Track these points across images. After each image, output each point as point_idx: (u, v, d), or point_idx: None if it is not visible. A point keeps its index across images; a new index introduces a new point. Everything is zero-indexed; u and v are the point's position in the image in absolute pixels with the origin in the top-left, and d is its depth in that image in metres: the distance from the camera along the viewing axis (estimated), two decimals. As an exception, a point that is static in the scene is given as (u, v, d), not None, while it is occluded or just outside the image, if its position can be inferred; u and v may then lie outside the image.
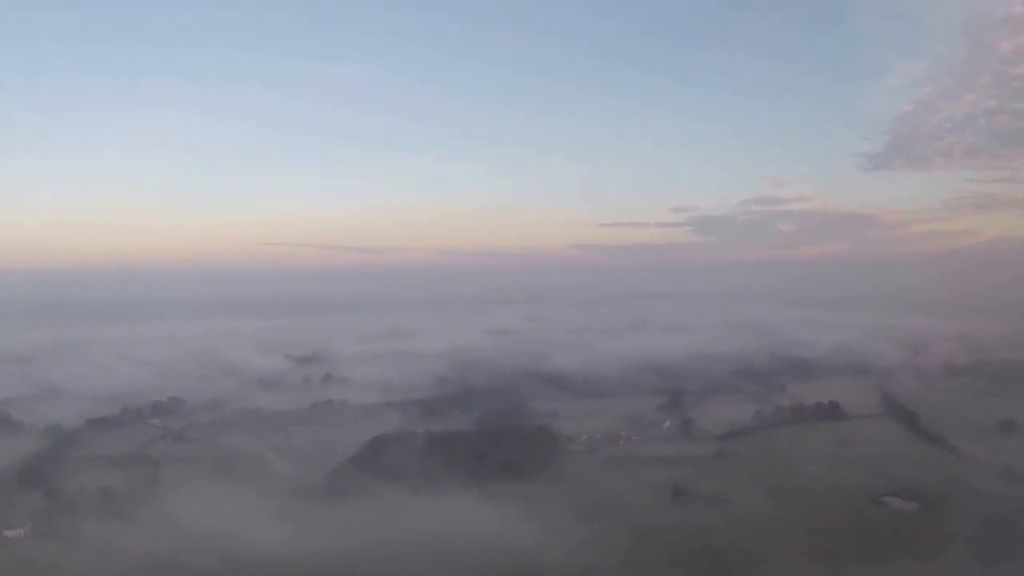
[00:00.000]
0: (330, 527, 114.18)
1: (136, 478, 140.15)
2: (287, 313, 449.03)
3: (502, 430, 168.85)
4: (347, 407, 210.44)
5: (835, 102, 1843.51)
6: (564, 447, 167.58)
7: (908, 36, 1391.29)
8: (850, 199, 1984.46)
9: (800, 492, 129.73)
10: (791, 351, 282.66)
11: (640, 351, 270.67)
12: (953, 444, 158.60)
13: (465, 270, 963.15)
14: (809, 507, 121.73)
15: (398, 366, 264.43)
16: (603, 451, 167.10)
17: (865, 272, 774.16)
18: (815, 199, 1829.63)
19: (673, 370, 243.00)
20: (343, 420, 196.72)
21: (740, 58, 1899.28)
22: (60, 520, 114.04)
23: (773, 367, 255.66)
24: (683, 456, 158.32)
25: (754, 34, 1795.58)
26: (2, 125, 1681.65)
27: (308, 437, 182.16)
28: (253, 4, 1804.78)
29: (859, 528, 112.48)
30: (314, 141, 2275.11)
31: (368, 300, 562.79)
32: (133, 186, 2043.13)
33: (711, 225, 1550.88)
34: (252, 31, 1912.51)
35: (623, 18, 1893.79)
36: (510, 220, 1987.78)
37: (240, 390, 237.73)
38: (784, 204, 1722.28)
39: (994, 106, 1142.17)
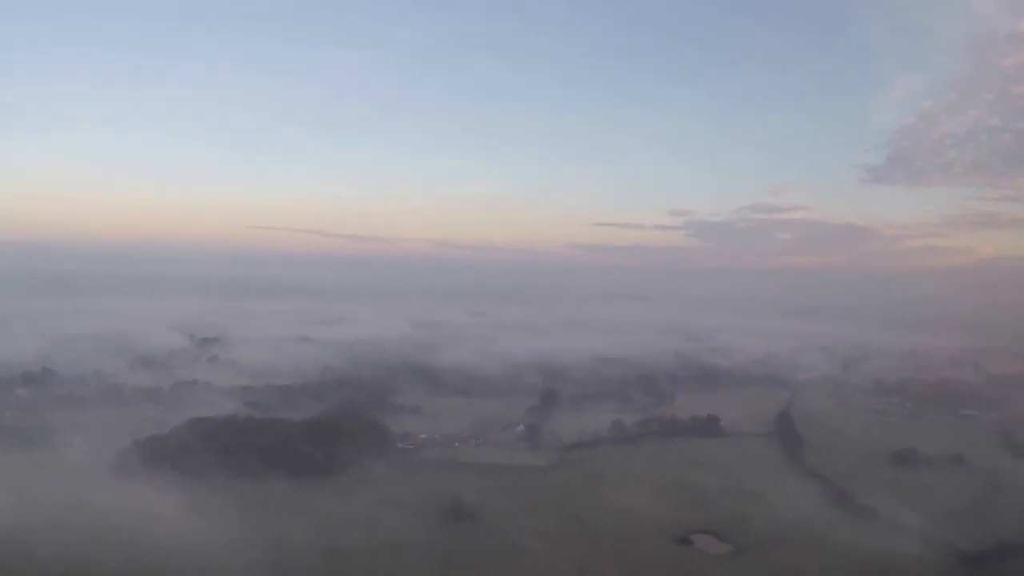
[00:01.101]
0: (57, 501, 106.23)
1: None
2: (233, 295, 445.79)
3: (333, 423, 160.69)
4: (208, 388, 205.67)
5: (836, 112, 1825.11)
6: (390, 445, 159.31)
7: (911, 48, 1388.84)
8: (849, 211, 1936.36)
9: (599, 521, 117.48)
10: (711, 359, 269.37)
11: (550, 351, 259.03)
12: (824, 475, 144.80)
13: (457, 263, 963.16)
14: (596, 541, 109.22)
15: (295, 352, 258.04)
16: (428, 452, 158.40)
17: (856, 285, 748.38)
18: (814, 209, 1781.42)
19: (568, 372, 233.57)
20: (190, 401, 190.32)
21: (743, 64, 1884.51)
22: None
23: (678, 375, 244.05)
24: (510, 464, 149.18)
25: (758, 41, 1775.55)
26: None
27: (138, 415, 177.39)
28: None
29: (641, 571, 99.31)
30: (312, 126, 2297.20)
31: (335, 286, 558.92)
32: (121, 163, 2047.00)
33: (708, 230, 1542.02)
34: (250, 12, 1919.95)
35: (629, 19, 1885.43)
36: (509, 215, 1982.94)
37: (120, 366, 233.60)
38: (782, 213, 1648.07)
39: (997, 124, 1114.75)
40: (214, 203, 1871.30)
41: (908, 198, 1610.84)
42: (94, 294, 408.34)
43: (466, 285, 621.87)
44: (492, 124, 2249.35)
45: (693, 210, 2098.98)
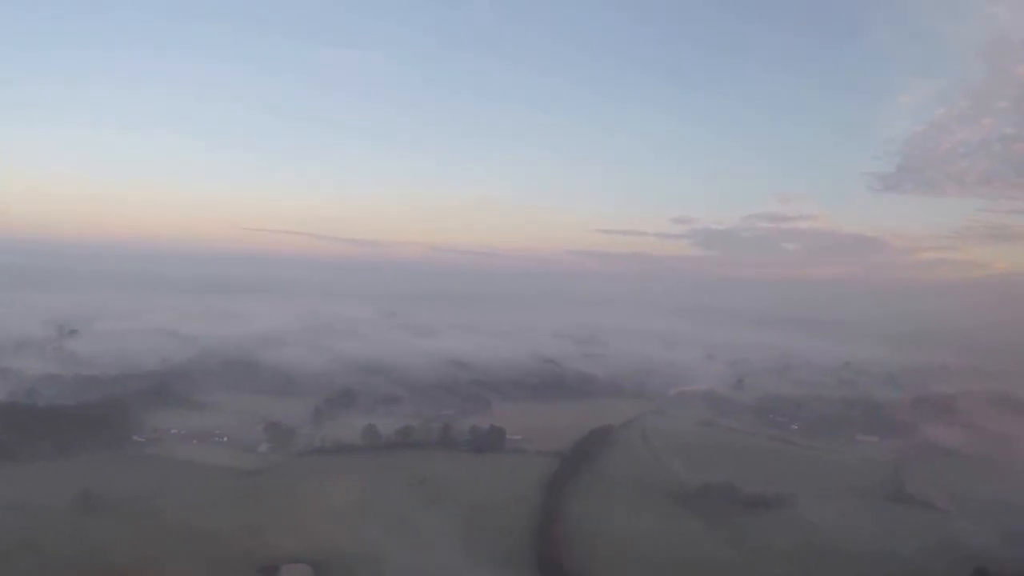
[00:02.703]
0: None
1: None
2: (152, 290, 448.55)
3: (69, 412, 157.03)
4: (13, 374, 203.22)
5: (845, 119, 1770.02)
6: (122, 438, 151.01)
7: (923, 54, 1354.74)
8: (857, 221, 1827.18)
9: (203, 539, 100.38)
10: (581, 367, 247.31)
11: (401, 352, 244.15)
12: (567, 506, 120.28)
13: (451, 268, 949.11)
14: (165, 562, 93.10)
15: (144, 345, 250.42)
16: (154, 448, 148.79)
17: (856, 297, 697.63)
18: (822, 218, 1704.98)
19: (394, 373, 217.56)
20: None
21: (749, 69, 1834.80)
22: None
23: (525, 382, 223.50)
24: (216, 465, 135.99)
25: (766, 46, 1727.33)
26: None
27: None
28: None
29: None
30: (309, 127, 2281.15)
31: (292, 287, 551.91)
32: (114, 162, 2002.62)
33: (713, 239, 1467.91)
34: (247, 13, 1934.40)
35: (634, 23, 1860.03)
36: (508, 220, 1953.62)
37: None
38: (790, 222, 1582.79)
39: (1011, 133, 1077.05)
40: (208, 203, 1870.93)
41: (919, 208, 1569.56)
42: (27, 290, 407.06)
43: (434, 289, 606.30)
44: (492, 127, 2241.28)
45: (697, 218, 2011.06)
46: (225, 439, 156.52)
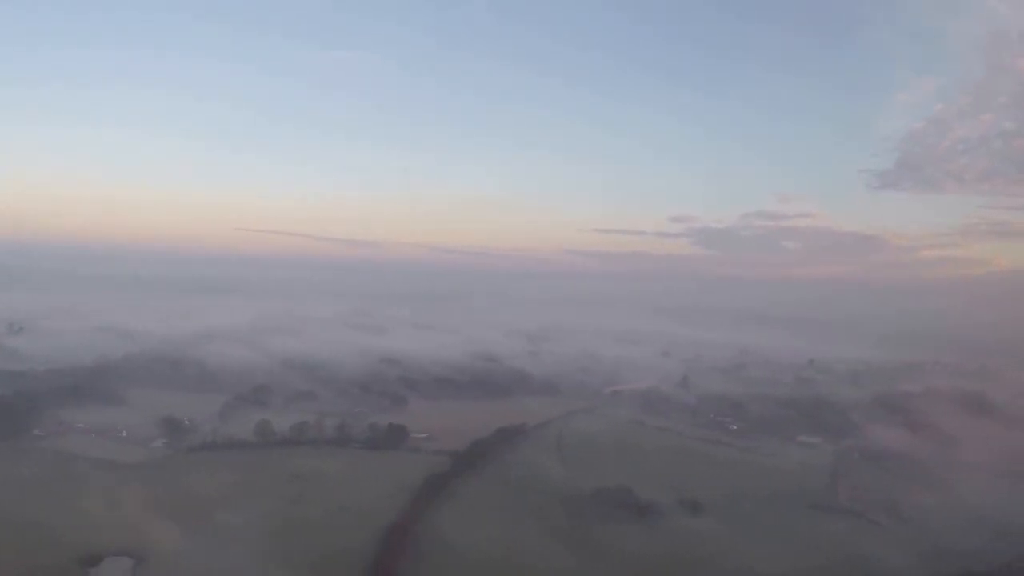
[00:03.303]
0: None
1: None
2: (133, 291, 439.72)
3: None
4: None
5: (844, 116, 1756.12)
6: (20, 430, 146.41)
7: (921, 50, 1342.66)
8: (857, 219, 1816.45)
9: (31, 529, 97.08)
10: (519, 364, 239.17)
11: (336, 349, 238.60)
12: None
13: (448, 268, 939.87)
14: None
15: (92, 341, 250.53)
16: (51, 441, 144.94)
17: (857, 296, 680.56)
18: (820, 217, 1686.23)
19: (317, 370, 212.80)
20: None
21: (747, 67, 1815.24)
22: None
23: (454, 379, 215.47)
24: (102, 459, 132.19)
25: (763, 44, 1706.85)
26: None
27: None
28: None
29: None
30: (306, 128, 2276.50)
31: (271, 287, 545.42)
32: (106, 162, 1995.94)
33: (711, 238, 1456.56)
34: (242, 12, 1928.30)
35: (631, 21, 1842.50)
36: (505, 220, 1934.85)
37: None
38: (788, 220, 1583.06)
39: (1011, 128, 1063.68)
40: (202, 204, 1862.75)
41: (918, 206, 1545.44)
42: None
43: (419, 289, 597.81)
44: (489, 126, 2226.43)
45: (695, 217, 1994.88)
46: (124, 434, 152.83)
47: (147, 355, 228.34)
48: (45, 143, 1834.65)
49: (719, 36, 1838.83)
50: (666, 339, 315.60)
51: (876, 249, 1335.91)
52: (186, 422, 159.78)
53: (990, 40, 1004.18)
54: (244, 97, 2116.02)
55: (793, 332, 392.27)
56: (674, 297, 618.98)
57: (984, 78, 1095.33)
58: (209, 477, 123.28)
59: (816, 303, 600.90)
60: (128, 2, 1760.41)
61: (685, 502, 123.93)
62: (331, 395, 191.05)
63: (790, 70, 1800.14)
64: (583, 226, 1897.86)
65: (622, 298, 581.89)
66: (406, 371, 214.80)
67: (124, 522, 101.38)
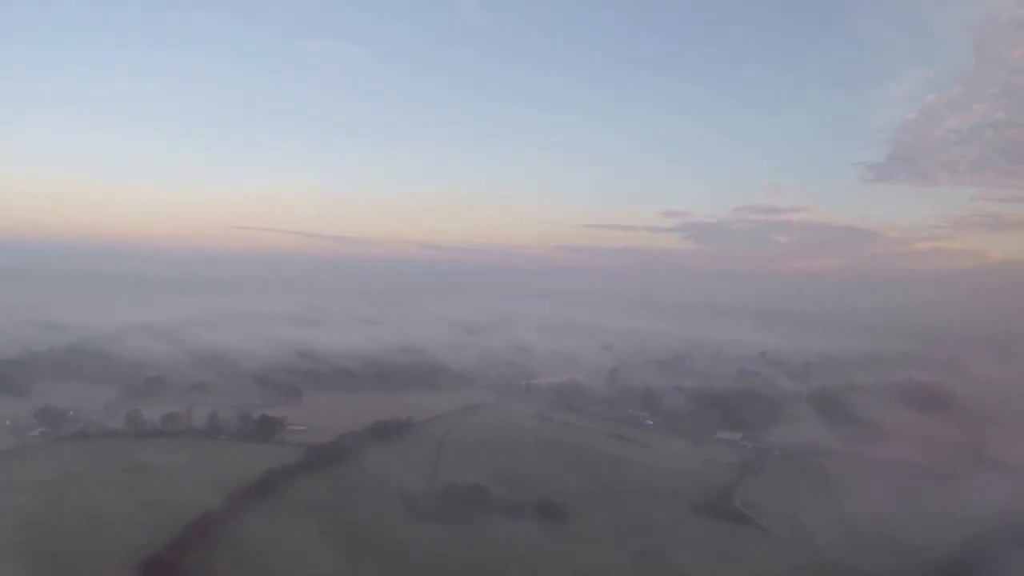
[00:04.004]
0: None
1: None
2: (96, 287, 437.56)
3: None
4: None
5: (835, 107, 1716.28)
6: None
7: (912, 40, 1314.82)
8: (850, 212, 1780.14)
9: None
10: (447, 356, 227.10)
11: (262, 342, 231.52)
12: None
13: (438, 264, 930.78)
14: None
15: (21, 335, 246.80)
16: None
17: (848, 289, 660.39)
18: (813, 210, 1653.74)
19: (224, 363, 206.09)
20: None
21: (737, 59, 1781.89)
22: None
23: (354, 370, 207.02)
24: None
25: (753, 35, 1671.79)
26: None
27: None
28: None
29: None
30: (296, 125, 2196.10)
31: (242, 284, 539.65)
32: (97, 159, 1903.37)
33: (704, 232, 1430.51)
34: (234, 6, 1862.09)
35: (621, 14, 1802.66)
36: (496, 216, 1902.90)
37: None
38: (781, 214, 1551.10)
39: (1003, 118, 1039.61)
40: (194, 202, 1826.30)
41: (911, 198, 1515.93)
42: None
43: (397, 285, 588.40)
44: (479, 121, 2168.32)
45: (687, 211, 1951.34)
46: (8, 423, 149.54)
47: (69, 349, 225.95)
48: (29, 139, 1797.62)
49: (710, 30, 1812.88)
50: (619, 333, 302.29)
51: (869, 242, 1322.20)
52: (71, 412, 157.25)
53: (980, 30, 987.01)
54: (235, 93, 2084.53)
55: (769, 325, 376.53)
56: (658, 292, 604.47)
57: (975, 68, 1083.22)
58: (50, 465, 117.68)
59: (805, 297, 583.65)
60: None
61: (542, 503, 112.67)
62: (227, 387, 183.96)
63: (781, 62, 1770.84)
64: (575, 222, 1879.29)
65: (600, 293, 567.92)
66: (317, 364, 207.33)
67: None
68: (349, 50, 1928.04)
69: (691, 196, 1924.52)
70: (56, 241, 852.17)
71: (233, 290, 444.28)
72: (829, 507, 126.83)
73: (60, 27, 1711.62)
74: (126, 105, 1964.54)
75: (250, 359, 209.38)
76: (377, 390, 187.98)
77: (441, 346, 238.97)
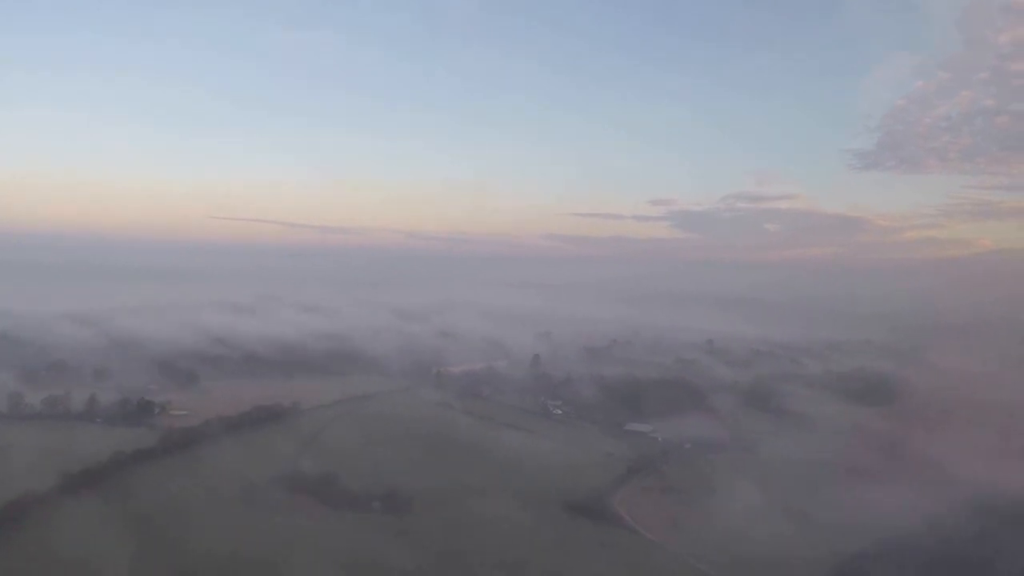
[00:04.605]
0: None
1: None
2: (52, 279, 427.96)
3: None
4: None
5: (822, 94, 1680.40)
6: None
7: (900, 25, 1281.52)
8: (839, 200, 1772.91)
9: None
10: (365, 343, 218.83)
11: (183, 329, 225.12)
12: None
13: (422, 254, 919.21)
14: None
15: None
16: None
17: (833, 278, 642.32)
18: (802, 198, 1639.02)
19: (141, 348, 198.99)
20: None
21: (724, 46, 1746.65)
22: None
23: (264, 356, 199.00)
24: None
25: (741, 23, 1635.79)
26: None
27: None
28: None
29: None
30: (279, 114, 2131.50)
31: (209, 274, 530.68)
32: (73, 149, 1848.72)
33: (691, 221, 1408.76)
34: None
35: (608, 3, 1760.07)
36: (483, 205, 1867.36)
37: None
38: (770, 202, 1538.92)
39: (992, 105, 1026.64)
40: (175, 192, 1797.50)
41: (901, 186, 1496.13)
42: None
43: (369, 275, 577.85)
44: (465, 110, 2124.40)
45: (675, 200, 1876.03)
46: None
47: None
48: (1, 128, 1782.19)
49: (697, 18, 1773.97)
50: (567, 320, 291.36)
51: (859, 230, 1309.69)
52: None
53: (967, 14, 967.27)
54: (218, 82, 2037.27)
55: (737, 313, 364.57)
56: (639, 280, 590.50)
57: (963, 53, 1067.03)
58: None
59: (790, 285, 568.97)
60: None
61: (387, 495, 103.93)
62: (129, 372, 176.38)
63: (768, 49, 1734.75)
64: (562, 210, 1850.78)
65: (578, 282, 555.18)
66: (229, 351, 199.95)
67: None
68: (333, 39, 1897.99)
69: (679, 184, 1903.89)
70: (31, 231, 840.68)
71: (193, 280, 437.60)
72: (719, 509, 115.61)
73: (36, 16, 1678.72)
74: (105, 95, 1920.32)
75: (162, 345, 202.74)
76: (280, 376, 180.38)
77: (370, 333, 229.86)
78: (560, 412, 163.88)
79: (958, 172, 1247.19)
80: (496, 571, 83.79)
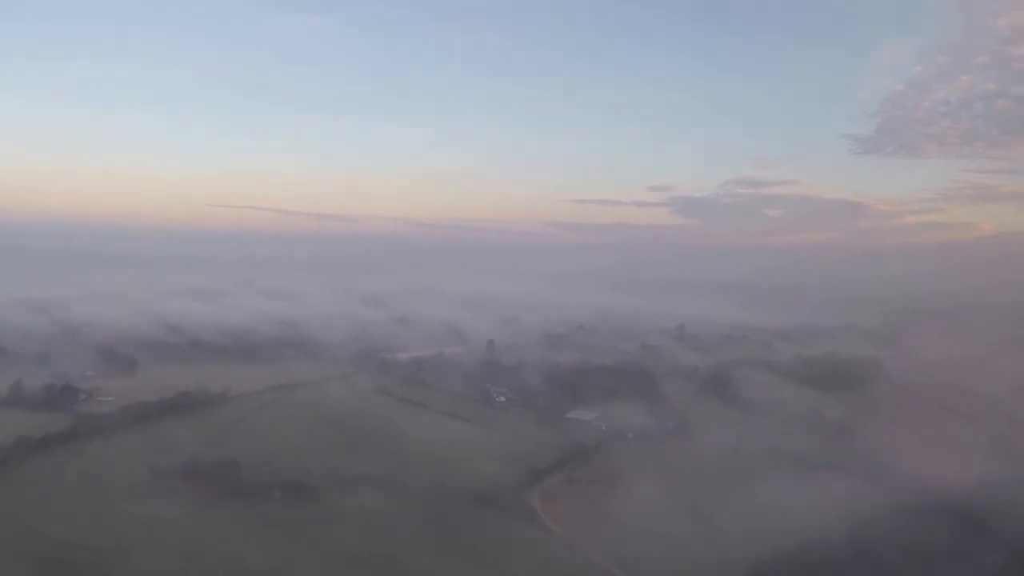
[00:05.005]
0: None
1: None
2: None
3: None
4: None
5: (822, 78, 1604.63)
6: None
7: (899, 9, 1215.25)
8: (839, 185, 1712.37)
9: None
10: (317, 329, 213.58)
11: (142, 315, 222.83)
12: None
13: (420, 241, 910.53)
14: None
15: None
16: None
17: (830, 264, 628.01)
18: (803, 183, 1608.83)
19: (88, 335, 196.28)
20: None
21: (722, 30, 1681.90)
22: None
23: (214, 343, 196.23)
24: None
25: (739, 7, 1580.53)
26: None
27: None
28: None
29: None
30: (275, 101, 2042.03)
31: (195, 262, 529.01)
32: (69, 137, 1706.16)
33: (692, 207, 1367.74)
34: None
35: None
36: (482, 192, 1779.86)
37: None
38: (770, 187, 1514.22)
39: (992, 89, 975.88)
40: (170, 180, 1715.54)
41: (900, 171, 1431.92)
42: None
43: (356, 262, 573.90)
44: (464, 96, 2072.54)
45: (674, 185, 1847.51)
46: None
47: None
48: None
49: (695, 2, 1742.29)
50: (537, 307, 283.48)
51: (859, 215, 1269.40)
52: None
53: None
54: (211, 68, 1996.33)
55: (725, 298, 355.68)
56: (635, 266, 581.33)
57: (963, 38, 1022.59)
58: None
59: (789, 270, 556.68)
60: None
61: (290, 484, 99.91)
62: (68, 358, 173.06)
63: (766, 33, 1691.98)
64: (562, 197, 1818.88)
65: (572, 268, 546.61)
66: (177, 337, 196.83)
67: None
68: (329, 23, 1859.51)
69: (678, 170, 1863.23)
70: (27, 220, 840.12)
71: (175, 267, 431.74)
72: (650, 506, 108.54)
73: (27, 3, 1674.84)
74: (99, 81, 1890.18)
75: (110, 332, 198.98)
76: (222, 363, 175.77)
77: (327, 319, 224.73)
78: (503, 399, 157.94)
79: (957, 156, 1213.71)
80: (348, 566, 78.39)
